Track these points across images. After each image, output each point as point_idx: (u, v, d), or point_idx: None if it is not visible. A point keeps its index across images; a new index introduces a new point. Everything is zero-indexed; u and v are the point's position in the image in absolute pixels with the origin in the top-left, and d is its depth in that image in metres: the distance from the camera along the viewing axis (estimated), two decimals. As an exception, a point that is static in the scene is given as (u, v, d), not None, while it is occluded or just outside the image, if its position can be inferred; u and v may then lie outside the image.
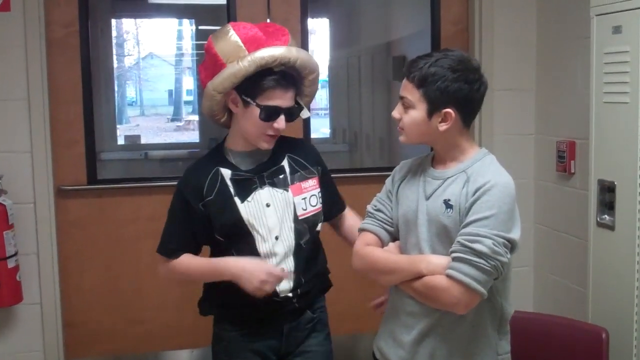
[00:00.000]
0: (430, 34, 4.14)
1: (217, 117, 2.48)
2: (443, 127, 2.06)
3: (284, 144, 2.49)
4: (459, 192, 2.05)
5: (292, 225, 2.41)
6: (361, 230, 2.27)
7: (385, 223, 2.24)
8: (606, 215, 2.87)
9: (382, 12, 5.45)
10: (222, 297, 2.49)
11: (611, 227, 2.82)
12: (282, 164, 2.45)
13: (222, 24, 3.90)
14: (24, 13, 3.54)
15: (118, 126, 6.55)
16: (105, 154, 5.06)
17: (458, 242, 1.97)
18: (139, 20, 6.17)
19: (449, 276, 1.97)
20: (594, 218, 2.92)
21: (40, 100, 3.60)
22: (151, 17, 5.82)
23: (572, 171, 3.62)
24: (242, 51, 2.30)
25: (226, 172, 2.41)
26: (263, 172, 2.42)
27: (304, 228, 2.44)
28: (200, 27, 5.88)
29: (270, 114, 2.32)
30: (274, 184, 2.41)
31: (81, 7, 3.74)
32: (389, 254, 2.17)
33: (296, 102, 2.42)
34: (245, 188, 2.40)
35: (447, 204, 2.06)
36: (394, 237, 2.24)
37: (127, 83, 6.79)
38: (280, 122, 2.34)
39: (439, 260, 2.02)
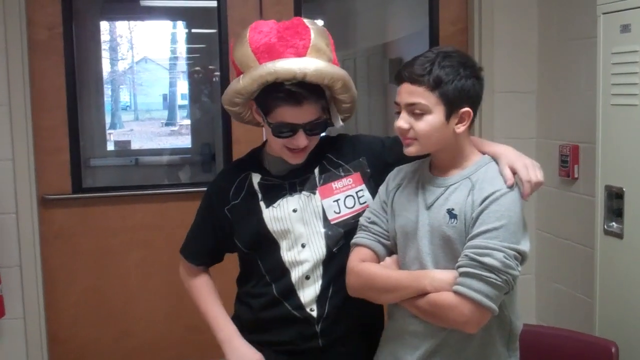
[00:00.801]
0: (428, 34, 4.02)
1: (252, 123, 2.31)
2: (460, 128, 1.94)
3: (324, 146, 2.25)
4: (463, 200, 1.92)
5: (322, 230, 2.17)
6: (354, 245, 2.11)
7: (381, 236, 2.08)
8: (614, 223, 2.74)
9: (378, 12, 5.35)
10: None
11: (619, 235, 2.70)
12: (316, 168, 2.23)
13: (214, 26, 3.88)
14: (4, 14, 3.42)
15: (112, 131, 6.44)
16: (95, 160, 4.95)
17: (466, 255, 1.84)
18: (132, 24, 6.07)
19: (457, 293, 1.83)
20: (601, 225, 2.79)
21: (22, 106, 3.49)
22: (141, 20, 5.69)
23: (576, 176, 3.52)
24: (252, 62, 2.08)
25: (255, 177, 2.23)
26: (295, 178, 2.21)
27: (339, 233, 2.17)
28: (193, 30, 5.78)
29: (282, 132, 2.10)
30: (302, 189, 2.20)
31: (65, 7, 3.61)
32: (388, 270, 2.02)
33: (326, 112, 2.18)
34: (274, 194, 2.20)
35: (451, 214, 1.92)
36: (391, 252, 2.09)
37: (120, 88, 6.74)
38: (299, 140, 2.10)
39: (444, 276, 1.89)
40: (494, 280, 1.80)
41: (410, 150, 1.97)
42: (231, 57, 2.18)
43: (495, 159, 2.00)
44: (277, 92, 2.06)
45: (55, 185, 3.66)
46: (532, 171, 1.95)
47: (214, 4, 3.84)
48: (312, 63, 2.06)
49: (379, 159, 2.25)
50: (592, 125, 2.90)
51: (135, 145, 6.32)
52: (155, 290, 3.78)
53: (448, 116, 1.91)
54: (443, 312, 1.86)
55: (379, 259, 2.07)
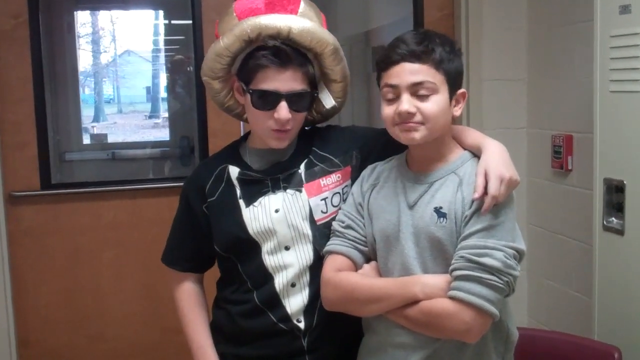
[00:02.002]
0: (412, 21, 3.87)
1: (233, 112, 2.11)
2: (458, 111, 1.82)
3: (313, 137, 2.08)
4: (451, 197, 1.76)
5: (309, 232, 1.98)
6: (328, 253, 1.93)
7: (357, 242, 1.91)
8: (614, 218, 2.59)
9: (360, -1, 5.18)
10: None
11: (620, 232, 2.55)
12: (302, 162, 2.04)
13: (189, 17, 3.73)
14: (-36, 2, 3.25)
15: (95, 124, 6.45)
16: (71, 154, 4.84)
17: (461, 257, 1.68)
18: (115, 17, 6.01)
19: (455, 298, 1.67)
20: (600, 221, 2.64)
21: (-14, 99, 3.31)
22: (119, 9, 5.59)
23: (569, 168, 3.38)
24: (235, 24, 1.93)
25: (234, 171, 2.03)
26: (278, 173, 2.01)
27: (326, 235, 1.98)
28: (172, 22, 5.66)
29: (262, 100, 1.90)
30: (287, 187, 2.01)
31: (30, -6, 3.43)
32: (371, 279, 1.85)
33: (312, 86, 1.98)
34: (254, 191, 2.01)
35: (439, 212, 1.76)
36: (369, 258, 1.92)
37: (103, 80, 6.68)
38: (280, 111, 1.89)
39: (436, 281, 1.73)
40: (495, 283, 1.65)
41: (415, 137, 1.78)
42: (216, 33, 2.01)
43: (479, 152, 1.83)
44: (259, 51, 1.89)
45: (23, 182, 3.50)
46: (503, 189, 1.72)
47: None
48: (298, 20, 1.91)
49: (377, 152, 2.05)
50: (588, 113, 2.75)
51: (118, 138, 6.36)
52: (129, 291, 3.64)
53: (450, 97, 1.79)
54: (439, 320, 1.69)
55: (356, 267, 1.90)
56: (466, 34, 3.70)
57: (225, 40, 1.91)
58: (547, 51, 3.58)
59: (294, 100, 1.91)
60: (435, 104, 1.75)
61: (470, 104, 3.63)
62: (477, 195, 1.71)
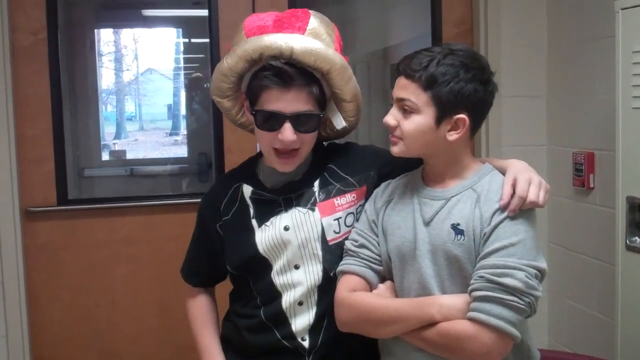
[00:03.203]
0: (430, 37, 3.85)
1: (248, 128, 2.08)
2: (453, 136, 1.74)
3: (330, 155, 2.04)
4: (469, 214, 1.71)
5: (320, 253, 1.93)
6: (342, 273, 1.88)
7: (371, 261, 1.86)
8: (637, 238, 2.55)
9: (379, 17, 5.19)
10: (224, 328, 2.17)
11: (644, 251, 2.50)
12: (316, 180, 1.99)
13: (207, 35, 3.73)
14: (-15, 18, 3.27)
15: (116, 141, 6.49)
16: (90, 170, 4.88)
17: (481, 277, 1.63)
18: (137, 35, 6.08)
19: (474, 320, 1.62)
20: (623, 240, 2.59)
21: (4, 114, 3.33)
22: (136, 27, 5.67)
23: (591, 186, 3.32)
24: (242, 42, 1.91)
25: (247, 190, 2.00)
26: (291, 193, 1.97)
27: (337, 256, 1.94)
28: (192, 40, 5.70)
29: (266, 121, 1.86)
30: (299, 204, 1.96)
31: (49, 12, 3.44)
32: (386, 300, 1.80)
33: (320, 108, 1.92)
34: (267, 211, 1.97)
35: (457, 229, 1.71)
36: (383, 277, 1.88)
37: (125, 98, 6.79)
38: (284, 132, 1.84)
39: (454, 301, 1.68)
40: (516, 304, 1.60)
41: (394, 150, 1.79)
42: (228, 47, 1.98)
43: (504, 171, 1.79)
44: (263, 71, 1.86)
45: (40, 197, 3.49)
46: (533, 188, 1.71)
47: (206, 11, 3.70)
48: (301, 40, 1.86)
49: (395, 175, 1.99)
50: (610, 130, 2.71)
51: (138, 155, 6.39)
52: (144, 307, 3.62)
53: (439, 120, 1.73)
54: (459, 343, 1.64)
55: (370, 287, 1.86)
56: (485, 50, 3.67)
57: (229, 61, 1.89)
58: (567, 67, 3.54)
59: (299, 121, 1.87)
60: (413, 123, 1.73)
61: (489, 121, 3.59)
62: (503, 202, 1.68)
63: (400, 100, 1.74)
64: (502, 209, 1.68)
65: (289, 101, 1.85)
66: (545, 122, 3.73)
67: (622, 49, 2.57)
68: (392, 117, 1.76)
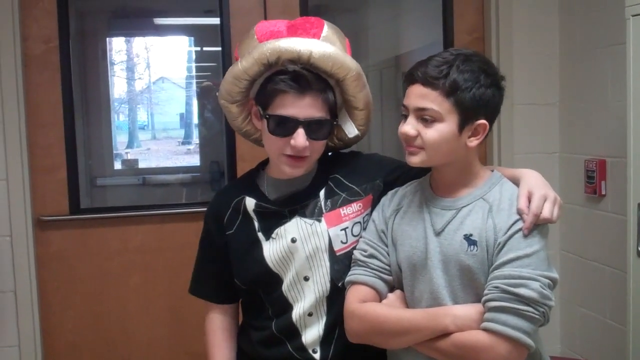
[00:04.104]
0: (442, 45, 3.85)
1: (251, 137, 2.06)
2: (473, 142, 1.73)
3: (336, 164, 2.01)
4: (481, 224, 1.70)
5: (328, 263, 1.91)
6: (351, 283, 1.86)
7: (381, 271, 1.84)
8: (648, 245, 2.53)
9: (390, 25, 5.19)
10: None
11: (655, 258, 2.49)
12: (321, 190, 1.96)
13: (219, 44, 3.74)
14: (-3, 26, 3.29)
15: (128, 150, 6.52)
16: (103, 179, 4.89)
17: (496, 287, 1.62)
18: (149, 44, 6.07)
19: (490, 330, 1.61)
20: (634, 247, 2.59)
21: (16, 122, 3.34)
22: (147, 36, 5.68)
23: (603, 193, 3.32)
24: (254, 46, 1.87)
25: (250, 202, 1.96)
26: (296, 204, 1.94)
27: (345, 266, 1.91)
28: (204, 49, 5.72)
29: (279, 126, 1.83)
30: (304, 215, 1.93)
31: (61, 21, 3.46)
32: (398, 310, 1.78)
33: (333, 115, 1.91)
34: (272, 223, 1.93)
35: (470, 240, 1.70)
36: (392, 287, 1.86)
37: (138, 107, 6.83)
38: (297, 138, 1.81)
39: (467, 312, 1.67)
40: (531, 314, 1.60)
41: (414, 160, 1.75)
42: (235, 54, 1.96)
43: (516, 181, 1.78)
44: (278, 75, 1.83)
45: (52, 206, 3.50)
46: (548, 205, 1.70)
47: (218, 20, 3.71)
48: (319, 45, 1.83)
49: (401, 183, 1.97)
50: (622, 138, 2.71)
51: (151, 164, 6.45)
52: (156, 316, 3.62)
53: (461, 127, 1.71)
54: (474, 354, 1.63)
55: (380, 297, 1.84)
56: (497, 57, 3.66)
57: (244, 63, 1.85)
58: (579, 74, 3.54)
59: (312, 127, 1.84)
60: (437, 132, 1.70)
61: (501, 129, 3.60)
62: (525, 217, 1.67)
63: (421, 110, 1.71)
64: (518, 221, 1.68)
65: (303, 107, 1.82)
66: (558, 130, 3.72)
67: (634, 55, 2.56)
68: (411, 127, 1.72)
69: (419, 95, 1.71)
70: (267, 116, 1.86)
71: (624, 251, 2.66)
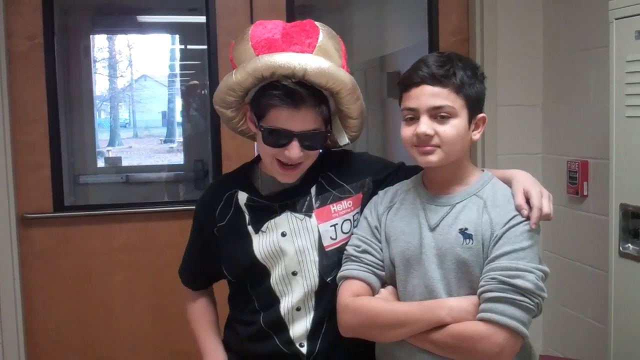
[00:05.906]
0: (427, 46, 3.86)
1: (247, 135, 2.08)
2: (477, 135, 1.83)
3: (327, 162, 2.04)
4: (476, 219, 1.76)
5: (317, 259, 1.95)
6: (344, 278, 1.89)
7: (375, 267, 1.88)
8: (630, 245, 2.56)
9: (375, 25, 5.21)
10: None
11: (636, 258, 2.52)
12: (312, 187, 2.00)
13: (205, 42, 3.73)
14: (-20, 24, 3.26)
15: (110, 148, 6.43)
16: (85, 177, 4.87)
17: (493, 278, 1.68)
18: (131, 42, 6.06)
19: (487, 320, 1.66)
20: (616, 247, 2.61)
21: (1, 120, 3.32)
22: (132, 34, 5.66)
23: (585, 193, 3.35)
24: (250, 56, 1.86)
25: (242, 197, 2.00)
26: (287, 199, 1.98)
27: (333, 262, 1.95)
28: (188, 47, 5.70)
29: (274, 138, 1.86)
30: (295, 210, 1.97)
31: (46, 17, 3.44)
32: (392, 304, 1.82)
33: (327, 125, 1.94)
34: (262, 216, 1.97)
35: (465, 234, 1.76)
36: (384, 282, 1.90)
37: (119, 105, 6.73)
38: (292, 150, 1.85)
39: (462, 304, 1.73)
40: (526, 304, 1.66)
41: (432, 159, 1.78)
42: (230, 56, 1.96)
43: (507, 181, 1.85)
44: (273, 89, 1.84)
45: (36, 203, 3.48)
46: (546, 201, 1.78)
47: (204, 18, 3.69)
48: (315, 60, 1.84)
49: (390, 183, 2.02)
50: (604, 139, 2.74)
51: (133, 162, 6.38)
52: (141, 314, 3.61)
53: (470, 121, 1.79)
54: (471, 343, 1.68)
55: (373, 292, 1.87)
56: (481, 59, 3.68)
57: (238, 77, 1.86)
58: (562, 76, 3.56)
59: (307, 139, 1.87)
60: (454, 127, 1.75)
61: (485, 130, 3.59)
62: (525, 212, 1.74)
63: (437, 108, 1.75)
64: (518, 216, 1.74)
65: (297, 121, 1.84)
66: (541, 131, 3.75)
67: (616, 58, 2.59)
68: (428, 127, 1.75)
69: (431, 95, 1.75)
70: (262, 128, 1.88)
71: (606, 251, 2.69)
